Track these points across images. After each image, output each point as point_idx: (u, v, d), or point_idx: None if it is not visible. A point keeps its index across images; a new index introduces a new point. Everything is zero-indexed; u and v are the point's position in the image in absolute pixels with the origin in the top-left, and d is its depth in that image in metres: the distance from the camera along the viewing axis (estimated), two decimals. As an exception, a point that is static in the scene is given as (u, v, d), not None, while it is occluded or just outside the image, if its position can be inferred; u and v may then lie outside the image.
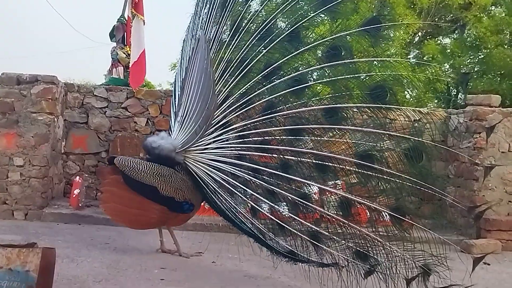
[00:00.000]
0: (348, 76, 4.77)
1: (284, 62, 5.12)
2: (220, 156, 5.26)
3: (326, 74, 4.98)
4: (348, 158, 4.72)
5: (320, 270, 4.78)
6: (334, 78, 4.89)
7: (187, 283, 5.02)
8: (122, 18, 9.95)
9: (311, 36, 5.10)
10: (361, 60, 4.83)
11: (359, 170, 4.66)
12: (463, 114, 8.81)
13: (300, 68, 5.10)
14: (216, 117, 5.33)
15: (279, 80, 5.10)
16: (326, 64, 4.91)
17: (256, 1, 5.45)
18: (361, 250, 4.47)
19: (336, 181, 4.91)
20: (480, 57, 16.92)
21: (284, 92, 5.07)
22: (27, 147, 7.83)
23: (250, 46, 5.25)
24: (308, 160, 4.86)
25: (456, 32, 17.84)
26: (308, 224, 4.74)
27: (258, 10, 5.35)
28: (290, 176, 4.90)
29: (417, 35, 17.17)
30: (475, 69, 17.34)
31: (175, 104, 5.84)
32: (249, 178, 5.07)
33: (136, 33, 9.23)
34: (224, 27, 5.40)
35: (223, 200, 5.22)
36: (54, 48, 42.72)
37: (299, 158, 4.87)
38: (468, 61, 17.28)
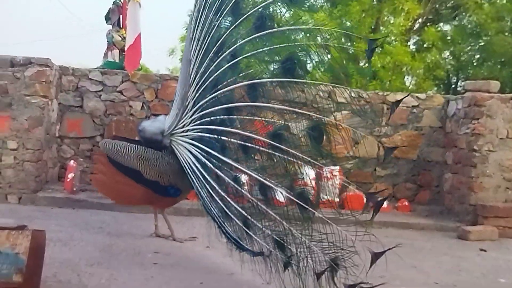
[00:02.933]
0: (265, 48, 4.65)
1: (227, 36, 4.96)
2: (191, 139, 5.15)
3: (252, 47, 4.82)
4: (262, 138, 4.58)
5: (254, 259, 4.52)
6: (254, 52, 4.75)
7: (180, 267, 4.98)
8: (117, 1, 9.81)
9: (247, 7, 4.96)
10: (278, 30, 4.64)
11: (270, 151, 4.50)
12: (461, 100, 8.73)
13: (236, 42, 4.93)
14: (189, 97, 5.21)
15: (222, 56, 4.96)
16: (251, 37, 4.74)
17: None
18: (278, 239, 4.23)
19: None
20: (480, 44, 16.80)
21: (223, 68, 4.93)
22: (20, 130, 7.74)
23: (209, 22, 5.08)
24: (236, 141, 4.70)
25: (456, 18, 17.69)
26: (239, 208, 4.54)
27: None
28: (224, 159, 4.75)
29: (417, 21, 17.02)
30: (476, 57, 17.25)
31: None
32: (205, 161, 4.91)
33: (132, 16, 9.09)
34: (198, 4, 5.26)
35: (195, 183, 5.05)
36: (50, 33, 42.49)
37: (229, 139, 4.73)
38: (469, 48, 17.18)
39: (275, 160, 4.53)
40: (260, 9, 4.74)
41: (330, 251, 3.99)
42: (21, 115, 7.75)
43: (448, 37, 17.02)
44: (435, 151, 9.33)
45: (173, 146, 5.39)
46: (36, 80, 7.83)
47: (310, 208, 4.22)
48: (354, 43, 10.38)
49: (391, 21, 16.23)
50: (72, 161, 8.38)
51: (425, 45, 16.34)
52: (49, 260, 4.29)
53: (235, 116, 4.86)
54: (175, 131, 5.35)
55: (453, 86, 18.48)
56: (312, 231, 4.10)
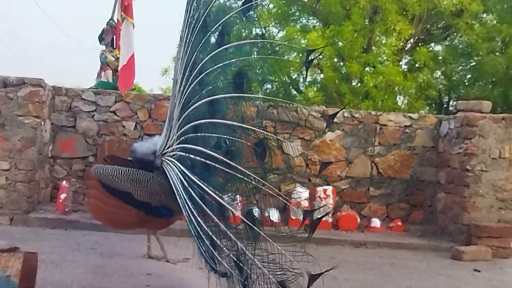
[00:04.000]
0: (220, 64, 4.73)
1: (197, 55, 4.97)
2: (174, 158, 5.12)
3: (213, 63, 4.85)
4: (215, 155, 4.58)
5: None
6: (212, 68, 4.81)
7: (172, 290, 4.94)
8: (111, 21, 9.84)
9: (212, 24, 5.03)
10: (232, 45, 4.72)
11: (224, 169, 4.54)
12: (453, 120, 8.79)
13: (203, 59, 4.94)
14: (175, 117, 5.20)
15: (193, 74, 4.96)
16: (214, 51, 4.79)
17: None
18: (236, 259, 4.22)
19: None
20: (471, 64, 16.97)
21: (193, 86, 4.94)
22: (13, 150, 7.72)
23: (187, 41, 5.10)
24: (200, 158, 4.69)
25: (447, 39, 17.90)
26: (206, 227, 4.52)
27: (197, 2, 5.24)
28: (192, 177, 4.73)
29: (409, 42, 17.18)
30: (467, 76, 17.41)
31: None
32: (182, 180, 4.89)
33: (126, 37, 9.13)
34: (184, 25, 5.31)
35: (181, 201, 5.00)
36: (44, 53, 42.56)
37: (195, 157, 4.73)
38: (460, 68, 17.34)
39: (228, 178, 4.56)
40: (220, 25, 4.79)
41: (278, 273, 3.98)
42: (14, 136, 7.73)
43: (440, 57, 17.19)
44: (428, 171, 9.36)
45: (163, 166, 5.35)
46: (29, 101, 7.83)
47: (255, 227, 4.22)
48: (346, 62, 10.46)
49: (383, 41, 16.39)
50: (64, 182, 8.34)
51: (417, 65, 16.47)
52: (40, 282, 4.25)
53: (199, 134, 4.83)
54: (165, 151, 5.32)
55: (445, 105, 18.61)
56: (261, 251, 4.10)
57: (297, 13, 17.79)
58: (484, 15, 17.27)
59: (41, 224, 7.56)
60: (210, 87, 4.87)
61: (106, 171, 5.59)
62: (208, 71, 4.87)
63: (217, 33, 4.86)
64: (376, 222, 8.94)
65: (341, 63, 16.21)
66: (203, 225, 4.54)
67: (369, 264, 6.87)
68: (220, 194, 4.50)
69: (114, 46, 9.88)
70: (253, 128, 4.44)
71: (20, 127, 7.76)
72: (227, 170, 4.51)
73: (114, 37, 9.90)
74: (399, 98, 17.26)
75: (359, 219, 9.00)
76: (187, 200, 4.74)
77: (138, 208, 5.53)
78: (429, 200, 9.33)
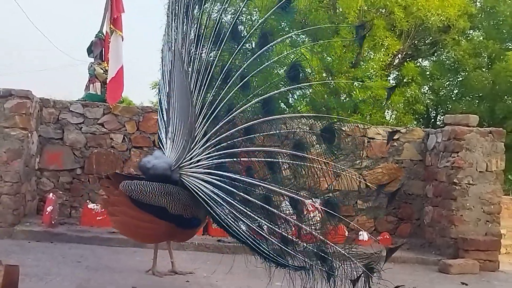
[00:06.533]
0: (270, 61, 4.98)
1: (232, 62, 5.15)
2: (207, 168, 5.18)
3: (258, 64, 5.06)
4: (283, 150, 4.78)
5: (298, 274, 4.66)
6: (261, 67, 5.01)
7: (159, 302, 4.90)
8: (100, 34, 9.85)
9: (245, 29, 5.18)
10: (278, 41, 4.99)
11: (295, 162, 4.72)
12: (441, 133, 8.84)
13: (243, 64, 5.13)
14: (198, 128, 5.27)
15: (231, 81, 5.12)
16: (257, 53, 5.00)
17: (207, 5, 5.46)
18: (317, 251, 4.44)
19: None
20: (458, 79, 17.12)
21: (234, 91, 5.10)
22: (-1, 162, 7.64)
23: (208, 52, 5.27)
24: (261, 158, 4.87)
25: (435, 54, 18.07)
26: (272, 226, 4.72)
27: (209, 12, 5.38)
28: (249, 180, 4.89)
29: (396, 57, 17.32)
30: (454, 91, 17.55)
31: (163, 120, 5.77)
32: (229, 187, 5.00)
33: (114, 49, 9.14)
34: (191, 37, 5.38)
35: (217, 211, 5.08)
36: (32, 66, 42.40)
37: (253, 158, 4.90)
38: (447, 83, 17.48)
39: (302, 171, 4.70)
40: (259, 28, 5.00)
41: (362, 258, 4.24)
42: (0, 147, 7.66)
43: (427, 72, 17.33)
44: (415, 184, 9.39)
45: (183, 179, 5.34)
46: (16, 112, 7.77)
47: (338, 215, 4.46)
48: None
49: (372, 56, 16.50)
50: (51, 194, 8.26)
51: (404, 80, 16.59)
52: (24, 295, 4.19)
53: (253, 135, 4.98)
54: (183, 164, 5.31)
55: (432, 120, 18.72)
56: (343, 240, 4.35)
57: (287, 28, 17.89)
58: (471, 32, 17.49)
59: (27, 237, 7.46)
60: (260, 88, 5.06)
61: (137, 187, 5.36)
62: (254, 73, 5.04)
63: (255, 36, 5.05)
64: (364, 235, 8.92)
65: (330, 78, 16.27)
66: (268, 225, 4.71)
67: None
68: (291, 190, 4.66)
69: (103, 59, 9.87)
70: (320, 115, 4.64)
71: (6, 139, 7.70)
72: (298, 162, 4.68)
73: (103, 49, 9.90)
74: (387, 112, 17.35)
75: (347, 232, 8.97)
76: (238, 206, 4.86)
77: (170, 221, 5.42)
78: (417, 213, 9.35)
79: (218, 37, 5.18)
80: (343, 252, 4.34)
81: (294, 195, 4.66)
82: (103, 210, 7.42)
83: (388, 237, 9.00)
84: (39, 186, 8.80)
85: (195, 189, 5.21)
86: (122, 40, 9.29)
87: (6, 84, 7.95)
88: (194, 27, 5.42)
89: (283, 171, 4.87)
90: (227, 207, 4.93)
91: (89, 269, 5.97)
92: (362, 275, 4.27)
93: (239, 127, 5.06)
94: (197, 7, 5.45)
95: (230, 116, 5.06)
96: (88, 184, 8.87)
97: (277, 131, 4.91)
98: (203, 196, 5.12)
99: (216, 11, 5.36)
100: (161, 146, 5.74)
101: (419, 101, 16.40)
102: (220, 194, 4.99)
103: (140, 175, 5.67)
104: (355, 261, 4.29)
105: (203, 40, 5.29)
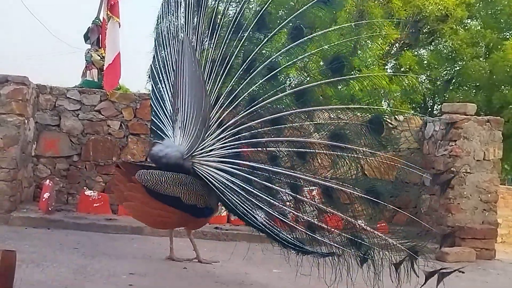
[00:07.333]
0: (309, 53, 4.92)
1: (258, 53, 5.14)
2: (222, 157, 5.20)
3: (292, 56, 5.05)
4: (321, 141, 4.79)
5: (322, 260, 4.69)
6: (296, 59, 5.00)
7: (156, 289, 4.89)
8: (97, 20, 9.76)
9: (275, 20, 5.15)
10: (318, 34, 4.94)
11: (330, 152, 4.74)
12: (439, 122, 8.83)
13: (271, 55, 5.12)
14: (212, 118, 5.28)
15: (255, 72, 5.10)
16: (290, 45, 4.97)
17: None
18: (351, 237, 4.50)
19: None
20: (456, 69, 17.11)
21: (260, 82, 5.10)
22: (-5, 149, 7.60)
23: (227, 41, 5.27)
24: (289, 149, 4.90)
25: (432, 43, 18.05)
26: (300, 214, 4.77)
27: (228, 1, 5.35)
28: (275, 169, 4.92)
29: (394, 46, 17.28)
30: (452, 81, 17.54)
31: (164, 108, 5.74)
32: (248, 176, 5.04)
33: (111, 36, 9.08)
34: (203, 26, 5.35)
35: (233, 200, 5.11)
36: (29, 52, 42.08)
37: (281, 148, 4.93)
38: (445, 72, 17.46)
39: (337, 160, 4.71)
40: (293, 19, 4.95)
41: (405, 241, 4.32)
42: (-4, 134, 7.62)
43: (425, 62, 17.30)
44: (413, 173, 9.36)
45: (195, 168, 5.33)
46: (12, 99, 7.72)
47: (382, 202, 4.52)
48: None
49: (369, 45, 16.45)
50: (48, 181, 8.23)
51: (402, 69, 16.56)
52: (20, 282, 4.13)
53: (283, 126, 4.99)
54: (196, 153, 5.30)
55: (429, 109, 18.73)
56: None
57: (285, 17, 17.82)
58: (469, 21, 17.45)
59: (24, 223, 7.44)
60: (292, 80, 5.16)
61: (153, 177, 5.34)
62: (288, 64, 5.03)
63: (288, 28, 5.02)
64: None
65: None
66: (294, 212, 4.80)
67: (355, 265, 6.85)
68: (325, 179, 4.70)
69: (100, 45, 9.80)
70: (364, 106, 4.68)
71: (2, 125, 7.65)
72: (336, 153, 4.68)
73: (100, 36, 9.82)
74: (384, 101, 17.33)
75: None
76: (258, 194, 4.90)
77: (184, 211, 5.43)
78: (414, 201, 9.35)
79: (239, 27, 5.17)
80: (386, 237, 4.44)
81: (329, 184, 4.69)
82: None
83: (384, 225, 8.99)
84: (35, 172, 8.77)
85: (208, 177, 5.22)
86: (119, 26, 9.22)
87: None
88: (209, 17, 5.39)
89: (318, 161, 4.87)
90: (245, 194, 4.96)
91: (86, 255, 5.94)
92: (406, 258, 4.33)
93: (265, 118, 5.04)
94: None
95: (254, 107, 5.05)
96: (85, 171, 8.85)
97: (310, 122, 4.93)
98: (217, 184, 5.14)
99: (237, 1, 5.35)
100: (160, 134, 5.71)
101: (416, 90, 16.38)
102: (237, 182, 5.02)
103: (149, 164, 5.67)
104: (399, 244, 4.37)
105: (220, 30, 5.28)
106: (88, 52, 9.74)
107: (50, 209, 7.87)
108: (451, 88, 17.24)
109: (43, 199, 7.93)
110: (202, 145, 5.29)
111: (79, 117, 8.89)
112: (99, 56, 9.61)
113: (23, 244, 6.16)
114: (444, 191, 4.42)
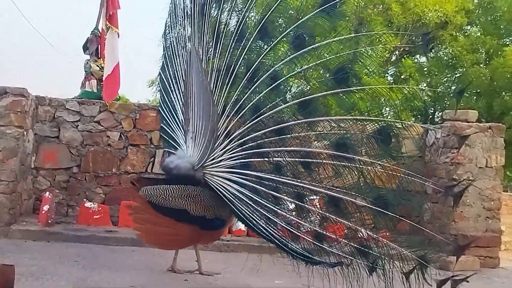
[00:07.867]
0: (313, 63, 4.90)
1: (261, 62, 5.13)
2: (230, 168, 5.18)
3: (295, 66, 5.04)
4: (325, 151, 4.80)
5: (330, 270, 4.70)
6: (300, 69, 4.98)
7: (157, 302, 4.83)
8: (96, 30, 9.74)
9: (277, 29, 5.12)
10: (322, 44, 4.90)
11: (335, 162, 4.73)
12: (440, 129, 8.78)
13: (273, 65, 5.10)
14: (220, 128, 5.27)
15: (259, 81, 5.08)
16: (293, 55, 4.95)
17: (227, 2, 5.43)
18: (359, 246, 4.51)
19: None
20: (456, 75, 17.09)
21: (264, 92, 5.07)
22: (-6, 161, 7.55)
23: (231, 50, 5.26)
24: (294, 158, 4.89)
25: (432, 50, 18.03)
26: (307, 224, 4.77)
27: (230, 9, 5.33)
28: (281, 179, 4.91)
29: (394, 53, 17.28)
30: (452, 87, 17.53)
31: (176, 118, 5.72)
32: (256, 186, 5.01)
33: (110, 46, 9.06)
34: (208, 35, 5.34)
35: (243, 210, 5.07)
36: (27, 62, 42.08)
37: (286, 158, 4.92)
38: (445, 79, 17.44)
39: (342, 170, 4.70)
40: (294, 29, 4.92)
41: (415, 250, 4.32)
42: (-5, 146, 7.58)
43: (425, 69, 17.29)
44: (414, 181, 9.30)
45: (206, 178, 5.30)
46: (11, 110, 7.69)
47: (390, 213, 4.58)
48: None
49: (369, 53, 16.45)
50: (47, 193, 8.18)
51: (402, 77, 16.56)
52: (19, 295, 4.12)
53: (287, 135, 4.97)
54: (206, 164, 5.28)
55: (430, 117, 18.69)
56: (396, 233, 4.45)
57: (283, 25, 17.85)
58: (468, 27, 17.46)
59: (23, 236, 7.39)
60: (299, 88, 5.03)
61: (157, 191, 5.31)
62: (293, 73, 5.05)
63: (289, 37, 4.99)
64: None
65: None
66: (300, 222, 4.78)
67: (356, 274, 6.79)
68: (330, 188, 4.71)
69: (99, 56, 9.78)
70: (371, 118, 4.69)
71: (1, 137, 7.61)
72: (340, 163, 4.68)
73: (99, 46, 9.80)
74: (385, 109, 17.30)
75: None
76: (265, 204, 4.88)
77: (192, 224, 5.37)
78: (417, 210, 9.27)
79: (242, 36, 5.16)
80: (395, 245, 4.46)
81: (335, 194, 4.70)
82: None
83: (387, 234, 8.92)
84: (35, 185, 8.72)
85: (219, 188, 5.18)
86: (118, 36, 9.21)
87: (-1, 82, 7.86)
88: (213, 26, 5.37)
89: (323, 171, 4.87)
90: (253, 204, 4.93)
91: (86, 268, 5.90)
92: (417, 266, 4.33)
93: (270, 128, 5.04)
94: (214, 5, 5.44)
95: (259, 117, 5.05)
96: (85, 182, 8.79)
97: (314, 132, 4.92)
98: (228, 195, 5.10)
99: (239, 10, 5.33)
100: (173, 144, 5.70)
101: (417, 97, 16.36)
102: (246, 192, 4.99)
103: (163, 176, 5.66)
104: (409, 253, 4.36)
105: (223, 39, 5.26)
106: (87, 62, 9.70)
107: (49, 221, 7.81)
108: (451, 95, 17.21)
109: (43, 212, 7.86)
110: (212, 156, 5.27)
111: (79, 128, 8.84)
112: (98, 66, 9.58)
113: (23, 257, 6.12)
114: (458, 203, 4.35)
